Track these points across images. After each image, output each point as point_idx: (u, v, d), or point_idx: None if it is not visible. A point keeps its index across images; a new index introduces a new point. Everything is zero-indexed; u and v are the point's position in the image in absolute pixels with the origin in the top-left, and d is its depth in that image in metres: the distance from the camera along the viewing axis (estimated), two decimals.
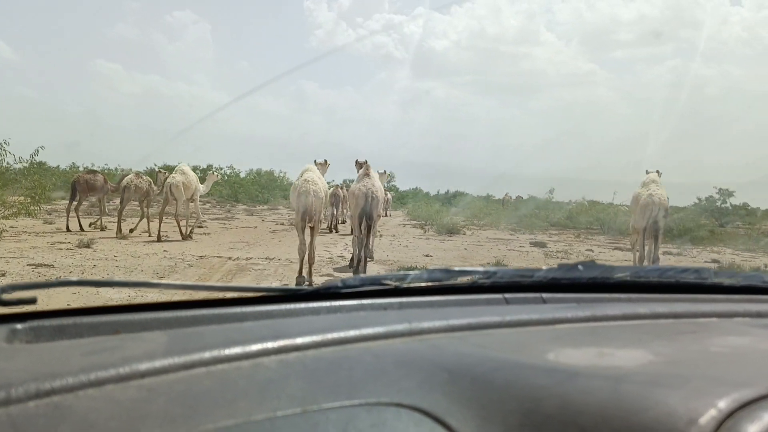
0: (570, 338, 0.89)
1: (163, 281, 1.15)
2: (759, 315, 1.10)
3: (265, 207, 30.16)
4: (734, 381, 0.61)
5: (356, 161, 10.01)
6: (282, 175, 37.87)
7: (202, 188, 14.51)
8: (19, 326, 0.86)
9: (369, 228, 8.96)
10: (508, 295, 1.14)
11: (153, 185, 14.98)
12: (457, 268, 1.20)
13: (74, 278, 1.14)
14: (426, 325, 0.87)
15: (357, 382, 0.67)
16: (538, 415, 0.59)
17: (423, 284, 1.17)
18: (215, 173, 16.95)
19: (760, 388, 0.58)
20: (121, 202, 14.56)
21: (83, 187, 14.95)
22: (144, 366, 0.67)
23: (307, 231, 8.20)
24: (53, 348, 0.81)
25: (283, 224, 19.61)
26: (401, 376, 0.68)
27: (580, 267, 1.23)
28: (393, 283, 1.14)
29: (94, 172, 16.01)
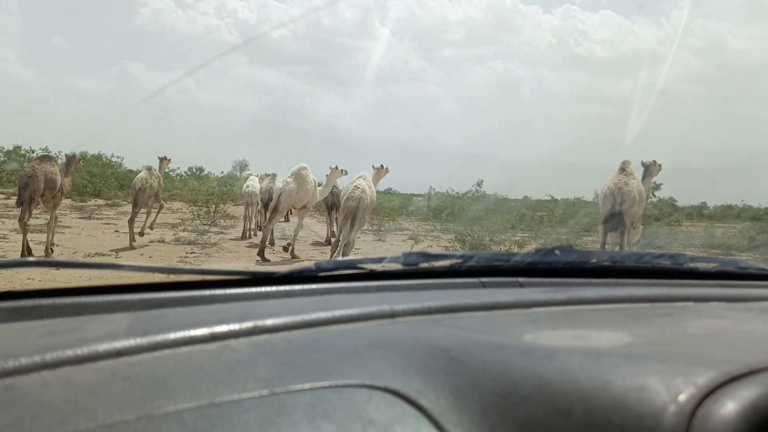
0: (547, 321, 0.88)
1: (127, 263, 1.10)
2: (735, 299, 1.10)
3: (102, 202, 21.13)
4: (713, 360, 0.60)
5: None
6: (118, 161, 29.45)
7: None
8: None
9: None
10: (484, 279, 1.13)
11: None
12: (433, 252, 1.18)
13: (32, 258, 1.08)
14: (401, 307, 0.85)
15: (328, 364, 0.64)
16: (514, 396, 0.57)
17: (399, 268, 1.14)
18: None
19: (739, 366, 0.57)
20: (135, 207, 11.53)
21: (39, 185, 9.42)
22: (103, 347, 0.64)
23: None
24: (9, 329, 0.77)
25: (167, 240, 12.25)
26: (374, 358, 0.66)
27: (557, 252, 1.22)
28: (369, 267, 1.12)
29: (48, 158, 10.24)
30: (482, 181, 25.07)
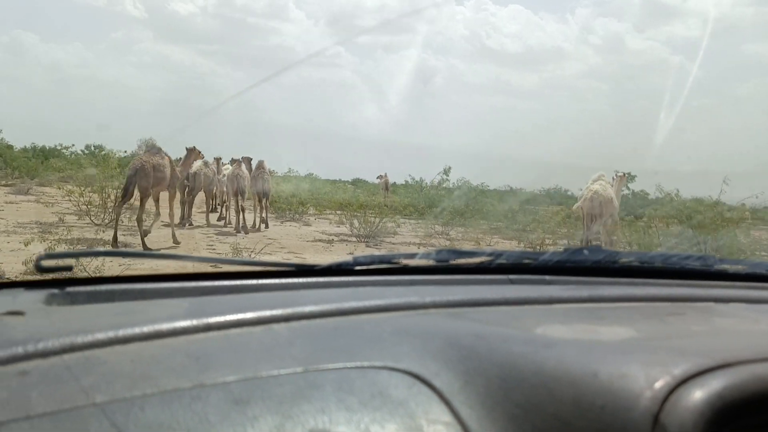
0: (563, 316, 0.94)
1: (185, 254, 1.22)
2: (758, 301, 1.13)
3: None
4: (695, 353, 0.66)
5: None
6: None
7: None
8: (56, 291, 0.94)
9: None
10: (513, 276, 1.19)
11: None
12: (464, 249, 1.25)
13: (101, 249, 1.22)
14: (427, 300, 0.93)
15: (355, 348, 0.73)
16: (514, 380, 0.65)
17: (431, 263, 1.22)
18: None
19: (714, 359, 0.63)
20: (188, 194, 12.40)
21: (148, 179, 9.68)
22: (165, 327, 0.75)
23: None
24: (86, 310, 0.89)
25: None
26: (396, 344, 0.74)
27: (585, 251, 1.27)
28: (403, 262, 1.20)
29: (157, 149, 10.34)
30: (450, 168, 21.55)
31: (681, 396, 0.58)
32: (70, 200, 12.60)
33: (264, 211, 13.59)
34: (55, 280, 0.98)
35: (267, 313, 0.82)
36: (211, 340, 0.75)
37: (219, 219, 14.41)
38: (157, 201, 10.39)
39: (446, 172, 21.40)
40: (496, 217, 15.46)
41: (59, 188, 13.76)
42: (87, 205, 11.98)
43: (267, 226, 13.60)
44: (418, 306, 0.92)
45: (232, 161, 14.19)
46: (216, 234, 12.27)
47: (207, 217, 13.98)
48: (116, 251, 1.44)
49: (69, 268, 0.97)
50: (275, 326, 0.80)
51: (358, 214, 13.18)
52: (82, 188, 12.40)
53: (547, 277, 1.20)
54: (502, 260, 1.22)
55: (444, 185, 21.51)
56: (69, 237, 9.35)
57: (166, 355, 0.70)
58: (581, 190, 11.40)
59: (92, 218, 11.68)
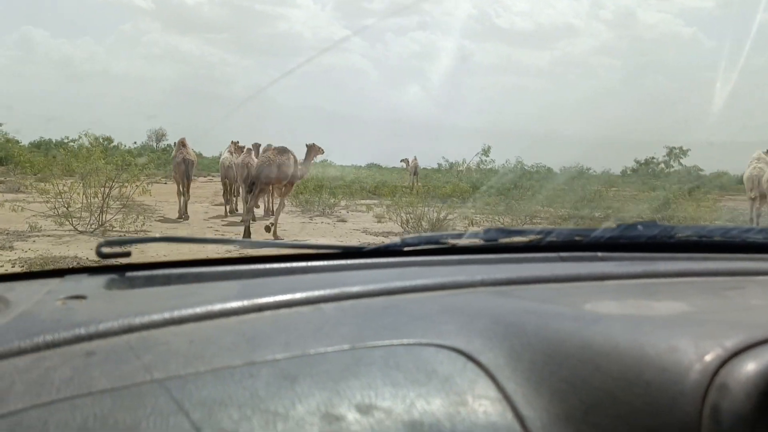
0: (614, 292, 0.92)
1: (238, 239, 1.26)
2: None
3: None
4: (750, 325, 0.64)
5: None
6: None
7: None
8: (116, 276, 0.98)
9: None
10: (563, 254, 1.17)
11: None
12: (513, 228, 1.24)
13: (159, 235, 1.27)
14: (474, 278, 0.93)
15: (401, 326, 0.74)
16: (560, 355, 0.64)
17: (480, 243, 1.21)
18: None
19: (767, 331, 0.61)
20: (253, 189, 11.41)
21: (271, 175, 9.81)
22: (218, 308, 0.77)
23: None
24: (144, 294, 0.93)
25: None
26: (442, 322, 0.75)
27: (639, 226, 1.24)
28: (451, 242, 1.20)
29: (285, 149, 10.19)
30: (489, 148, 20.56)
31: (733, 369, 0.56)
32: (48, 202, 9.91)
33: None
34: (115, 266, 1.02)
35: (315, 293, 0.83)
36: (262, 320, 0.77)
37: (230, 211, 13.47)
38: (279, 193, 10.43)
39: (485, 152, 20.62)
40: (553, 198, 14.45)
41: (40, 187, 10.97)
42: (66, 207, 9.78)
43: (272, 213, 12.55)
44: (465, 285, 0.92)
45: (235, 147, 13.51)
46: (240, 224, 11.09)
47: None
48: (172, 237, 1.50)
49: (128, 254, 1.01)
50: (323, 306, 0.81)
51: (403, 206, 11.61)
52: (66, 186, 10.10)
53: (600, 254, 1.17)
54: (552, 238, 1.20)
55: (484, 166, 20.37)
56: (28, 256, 7.21)
57: (219, 334, 0.72)
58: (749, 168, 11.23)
59: (74, 223, 9.47)
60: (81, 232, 9.31)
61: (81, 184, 10.21)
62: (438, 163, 24.10)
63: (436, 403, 0.60)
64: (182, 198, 12.11)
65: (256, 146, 12.89)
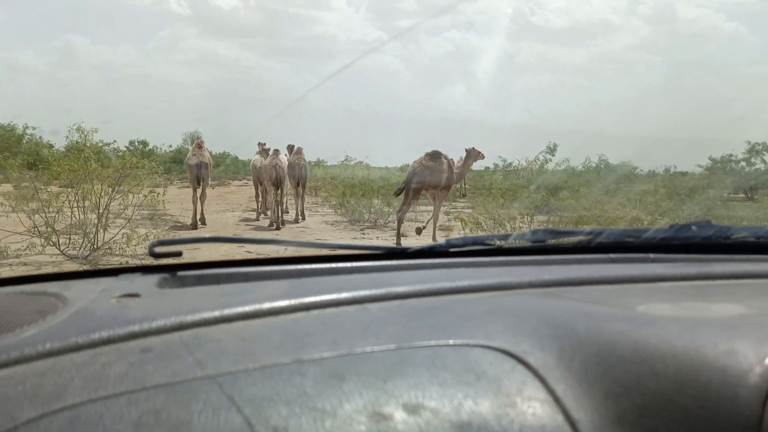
0: (668, 294, 0.90)
1: (285, 239, 1.28)
2: None
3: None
4: None
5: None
6: (32, 131, 23.63)
7: None
8: (167, 275, 1.01)
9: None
10: (614, 255, 1.14)
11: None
12: (561, 229, 1.22)
13: (208, 235, 1.30)
14: (522, 279, 0.92)
15: (447, 326, 0.73)
16: (613, 357, 0.63)
17: (527, 244, 1.20)
18: None
19: None
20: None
21: (423, 181, 9.47)
22: (266, 307, 0.79)
23: None
24: (195, 292, 0.96)
25: None
26: (489, 323, 0.74)
27: (693, 227, 1.20)
28: (497, 243, 1.19)
29: (438, 154, 9.74)
30: (556, 146, 18.08)
31: None
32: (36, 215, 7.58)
33: (301, 200, 12.71)
34: (167, 265, 1.05)
35: (362, 293, 0.84)
36: (309, 318, 0.78)
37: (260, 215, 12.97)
38: (434, 198, 10.06)
39: (551, 150, 18.32)
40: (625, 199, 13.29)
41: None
42: (49, 227, 7.56)
43: (303, 218, 12.61)
44: (512, 286, 0.91)
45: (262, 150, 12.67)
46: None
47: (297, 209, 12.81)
48: (222, 237, 1.55)
49: (179, 254, 1.04)
50: (369, 306, 0.82)
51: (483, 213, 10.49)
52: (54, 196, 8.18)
53: (652, 255, 1.14)
54: (602, 239, 1.18)
55: (547, 166, 18.41)
56: None
57: (268, 332, 0.73)
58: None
59: (60, 245, 7.49)
60: (70, 258, 7.45)
61: (73, 194, 8.18)
62: (494, 163, 22.58)
63: (485, 404, 0.59)
64: (197, 204, 11.06)
65: (290, 148, 12.68)
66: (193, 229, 10.70)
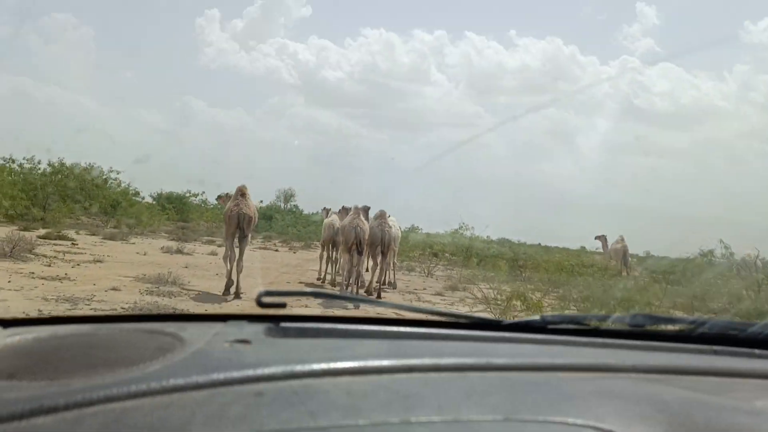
0: None
1: (382, 300, 1.33)
2: None
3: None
4: None
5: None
6: (116, 178, 22.94)
7: None
8: (272, 325, 1.08)
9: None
10: (717, 347, 1.10)
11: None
12: (663, 315, 1.19)
13: (309, 290, 1.37)
14: (626, 363, 0.91)
15: (555, 403, 0.74)
16: None
17: (625, 327, 1.17)
18: None
19: None
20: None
21: None
22: (371, 364, 0.82)
23: None
24: (299, 344, 1.01)
25: None
26: (599, 404, 0.74)
27: None
28: (594, 324, 1.17)
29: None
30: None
31: None
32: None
33: (389, 268, 11.55)
34: (272, 315, 1.12)
35: (463, 360, 0.86)
36: (412, 380, 0.81)
37: (318, 278, 11.94)
38: None
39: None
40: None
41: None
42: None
43: (395, 287, 11.63)
44: (617, 369, 0.90)
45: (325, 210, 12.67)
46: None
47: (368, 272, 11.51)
48: (323, 293, 1.65)
49: (283, 305, 1.11)
50: (470, 374, 0.84)
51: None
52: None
53: (757, 351, 1.09)
54: (704, 329, 1.14)
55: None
56: None
57: (374, 390, 0.76)
58: None
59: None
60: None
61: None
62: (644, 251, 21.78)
63: None
64: (232, 264, 8.62)
65: (365, 209, 10.75)
66: (225, 294, 8.49)
